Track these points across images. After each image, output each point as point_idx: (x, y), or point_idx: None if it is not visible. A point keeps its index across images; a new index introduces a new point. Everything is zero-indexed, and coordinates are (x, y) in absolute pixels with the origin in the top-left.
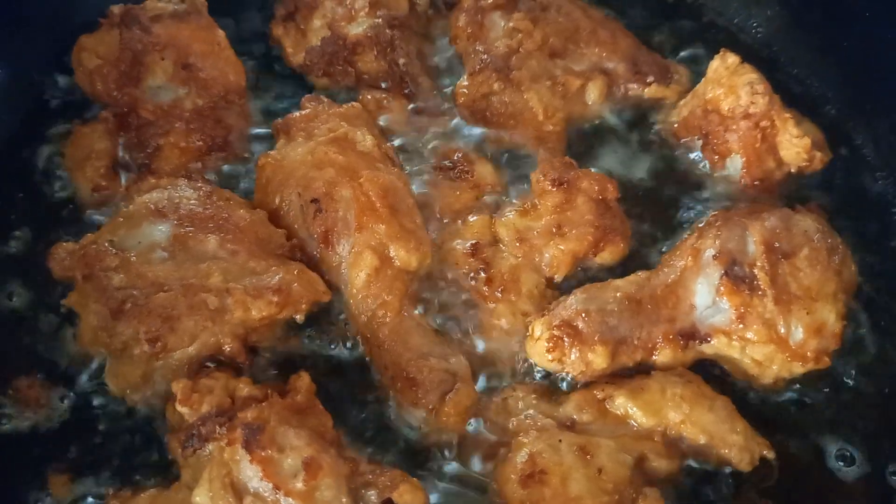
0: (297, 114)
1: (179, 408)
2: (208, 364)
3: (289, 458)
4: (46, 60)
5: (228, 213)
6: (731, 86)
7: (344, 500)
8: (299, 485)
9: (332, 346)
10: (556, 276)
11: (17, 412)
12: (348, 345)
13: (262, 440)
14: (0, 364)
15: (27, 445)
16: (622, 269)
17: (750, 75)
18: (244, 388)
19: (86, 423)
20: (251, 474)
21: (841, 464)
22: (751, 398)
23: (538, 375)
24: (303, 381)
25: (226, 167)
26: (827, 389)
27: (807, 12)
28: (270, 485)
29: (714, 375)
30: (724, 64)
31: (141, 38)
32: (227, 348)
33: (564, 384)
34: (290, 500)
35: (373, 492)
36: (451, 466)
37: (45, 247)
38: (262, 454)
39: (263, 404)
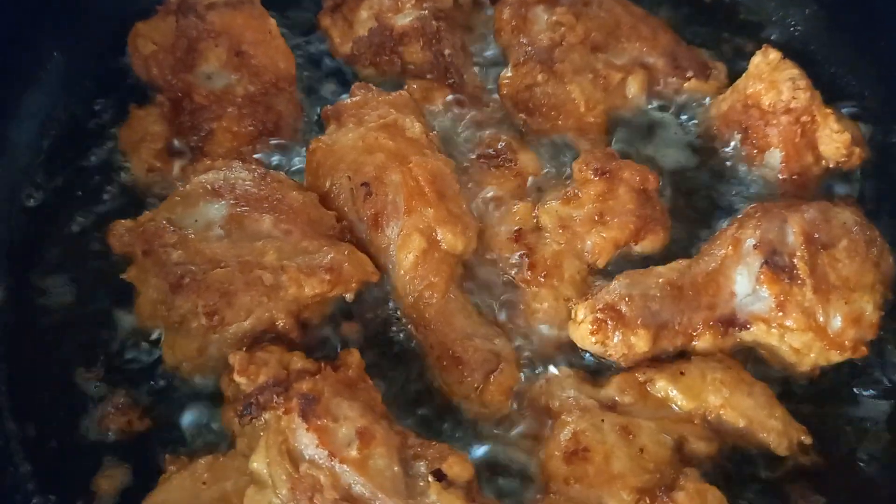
0: (347, 100)
1: (237, 378)
2: (261, 339)
3: (343, 427)
4: (104, 46)
5: (282, 194)
6: (772, 81)
7: (396, 468)
8: (353, 453)
9: (379, 326)
10: (597, 263)
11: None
12: (394, 325)
13: (318, 410)
14: (62, 346)
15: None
16: (661, 258)
17: (791, 71)
18: (298, 362)
19: (144, 396)
20: (307, 442)
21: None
22: (788, 386)
23: (580, 359)
24: (353, 356)
25: (275, 152)
26: (862, 377)
27: (843, 11)
28: (326, 452)
29: (751, 363)
30: (765, 59)
31: (196, 25)
32: (280, 324)
33: (606, 368)
34: (345, 467)
35: (422, 463)
36: (495, 444)
37: (100, 227)
38: (318, 423)
39: (317, 377)
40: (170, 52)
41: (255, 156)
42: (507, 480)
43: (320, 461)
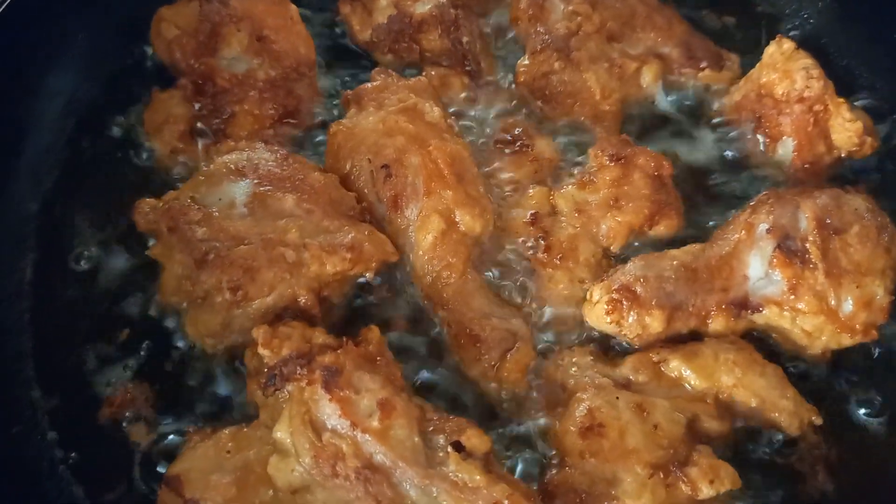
0: (368, 85)
1: (261, 351)
2: (283, 316)
3: (364, 398)
4: (127, 29)
5: (304, 174)
6: (785, 70)
7: (416, 439)
8: (375, 423)
9: (398, 306)
10: (612, 247)
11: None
12: (413, 305)
13: (340, 381)
14: (86, 318)
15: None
16: (675, 244)
17: (805, 60)
18: (320, 337)
19: (165, 370)
20: (329, 412)
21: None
22: (799, 369)
23: (595, 339)
24: (374, 333)
25: (295, 136)
26: (872, 361)
27: (856, 4)
28: (348, 422)
29: (764, 346)
30: (779, 49)
31: (218, 10)
32: (302, 300)
33: (620, 349)
34: (367, 436)
35: (441, 436)
36: (512, 420)
37: (124, 206)
38: (340, 394)
39: (339, 351)
40: (192, 36)
41: (275, 139)
42: (522, 455)
43: (342, 431)
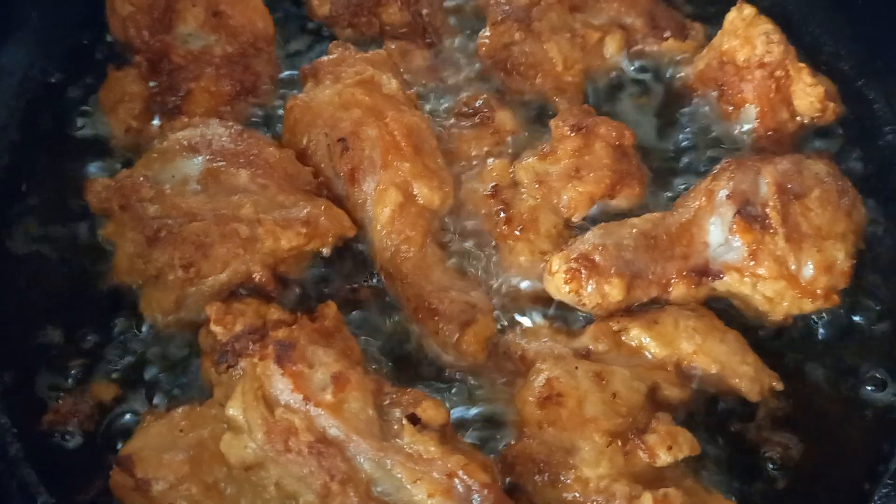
0: (324, 58)
1: (213, 327)
2: (240, 292)
3: (318, 372)
4: (81, 6)
5: (258, 149)
6: (746, 36)
7: (370, 412)
8: (328, 397)
9: (356, 281)
10: (573, 217)
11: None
12: (371, 280)
13: (293, 356)
14: (39, 300)
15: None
16: (638, 214)
17: (765, 25)
18: (275, 313)
19: (118, 349)
20: (282, 387)
21: (846, 392)
22: (760, 335)
23: (557, 311)
24: (330, 308)
25: (253, 112)
26: (835, 326)
27: None
28: (301, 396)
29: (725, 313)
30: (740, 15)
31: None
32: (257, 276)
33: (581, 319)
34: (320, 410)
35: (397, 408)
36: (471, 392)
37: (78, 185)
38: (293, 368)
39: (293, 326)
40: (147, 12)
41: (233, 115)
42: (482, 426)
43: (295, 406)
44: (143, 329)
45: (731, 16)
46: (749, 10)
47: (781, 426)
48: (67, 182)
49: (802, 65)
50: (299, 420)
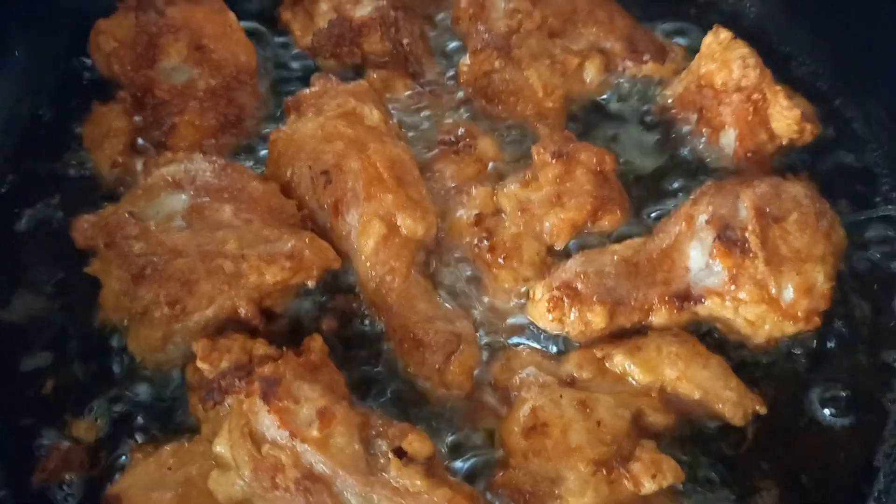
0: (307, 90)
1: (200, 364)
2: (225, 328)
3: (304, 408)
4: (66, 43)
5: (242, 184)
6: (723, 60)
7: (356, 446)
8: (314, 432)
9: (342, 313)
10: (556, 244)
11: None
12: (357, 311)
13: (279, 392)
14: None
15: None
16: (620, 238)
17: (742, 49)
18: (260, 348)
19: (105, 387)
20: (268, 423)
21: (830, 416)
22: (744, 357)
23: (540, 338)
24: (316, 342)
25: (240, 144)
26: (815, 349)
27: None
28: (287, 432)
29: (708, 337)
30: (716, 39)
31: (156, 20)
32: (242, 311)
33: (564, 346)
34: (306, 446)
35: (383, 441)
36: (457, 423)
37: (64, 222)
38: (279, 405)
39: (279, 361)
40: (131, 48)
41: (217, 150)
42: (468, 457)
43: (282, 442)
44: (131, 366)
45: (708, 40)
46: (725, 35)
47: (765, 449)
48: (55, 218)
49: (779, 87)
50: (286, 456)
